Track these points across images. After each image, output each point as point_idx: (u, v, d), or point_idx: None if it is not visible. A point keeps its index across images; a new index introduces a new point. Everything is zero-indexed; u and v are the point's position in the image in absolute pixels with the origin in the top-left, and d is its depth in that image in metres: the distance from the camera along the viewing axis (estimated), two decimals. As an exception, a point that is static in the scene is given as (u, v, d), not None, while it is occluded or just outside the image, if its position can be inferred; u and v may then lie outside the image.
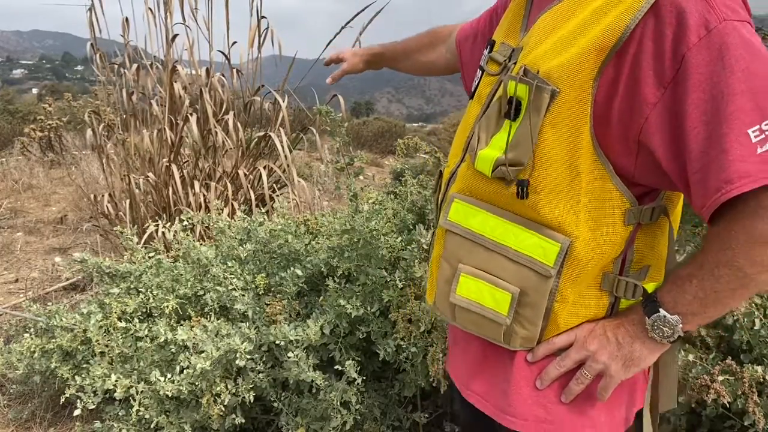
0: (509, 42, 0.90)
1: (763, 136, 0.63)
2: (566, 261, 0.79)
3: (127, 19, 3.96)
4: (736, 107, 0.64)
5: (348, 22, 3.78)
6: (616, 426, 0.88)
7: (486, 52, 0.94)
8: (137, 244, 2.56)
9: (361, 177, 1.90)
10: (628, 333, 0.80)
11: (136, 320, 2.19)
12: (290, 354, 1.74)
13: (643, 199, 0.81)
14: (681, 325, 0.75)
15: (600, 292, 0.83)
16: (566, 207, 0.77)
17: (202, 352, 1.83)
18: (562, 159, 0.76)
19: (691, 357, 1.35)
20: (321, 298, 1.94)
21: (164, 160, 3.81)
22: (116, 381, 1.95)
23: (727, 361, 1.28)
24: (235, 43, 3.94)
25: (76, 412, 2.00)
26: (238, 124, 3.82)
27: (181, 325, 2.08)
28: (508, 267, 0.82)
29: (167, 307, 2.17)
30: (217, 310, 2.20)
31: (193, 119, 3.66)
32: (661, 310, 0.75)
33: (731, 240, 0.68)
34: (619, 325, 0.82)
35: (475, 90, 0.94)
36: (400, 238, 1.98)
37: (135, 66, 4.00)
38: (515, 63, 0.83)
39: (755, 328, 1.36)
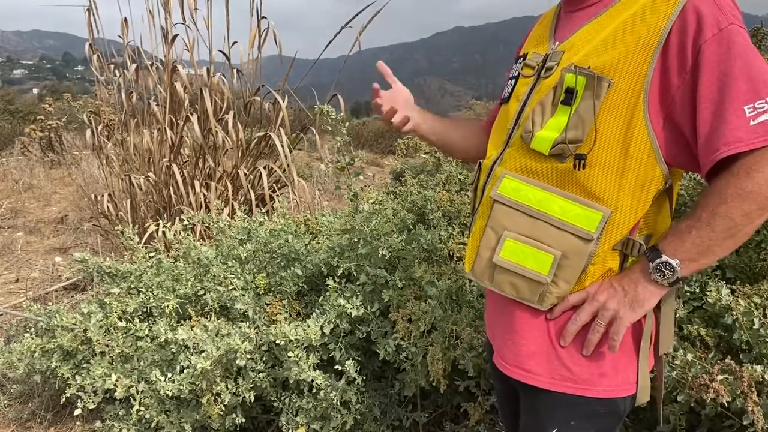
0: (539, 52, 1.08)
1: (755, 112, 0.81)
2: (606, 227, 0.94)
3: (125, 19, 3.96)
4: (736, 89, 0.82)
5: (348, 22, 3.78)
6: (629, 384, 1.01)
7: (517, 64, 1.12)
8: (138, 243, 2.56)
9: (361, 177, 1.90)
10: (631, 280, 0.95)
11: (137, 320, 2.19)
12: (290, 354, 1.75)
13: None
14: (680, 269, 0.89)
15: (613, 252, 0.97)
16: (614, 180, 0.93)
17: (203, 351, 1.83)
18: (616, 139, 0.92)
19: (690, 356, 1.36)
20: (321, 297, 1.94)
21: (164, 159, 3.81)
22: (116, 381, 1.95)
23: (726, 360, 1.28)
24: (235, 43, 3.94)
25: (77, 412, 2.00)
26: (238, 124, 3.82)
27: (182, 324, 2.09)
28: (552, 233, 0.97)
29: (167, 306, 2.18)
30: (218, 309, 2.20)
31: (194, 119, 3.66)
32: (663, 255, 0.90)
33: (727, 195, 0.84)
34: (622, 276, 0.97)
35: (511, 94, 1.10)
36: (400, 238, 1.98)
37: (134, 66, 4.00)
38: (557, 63, 1.00)
39: (754, 327, 1.36)
